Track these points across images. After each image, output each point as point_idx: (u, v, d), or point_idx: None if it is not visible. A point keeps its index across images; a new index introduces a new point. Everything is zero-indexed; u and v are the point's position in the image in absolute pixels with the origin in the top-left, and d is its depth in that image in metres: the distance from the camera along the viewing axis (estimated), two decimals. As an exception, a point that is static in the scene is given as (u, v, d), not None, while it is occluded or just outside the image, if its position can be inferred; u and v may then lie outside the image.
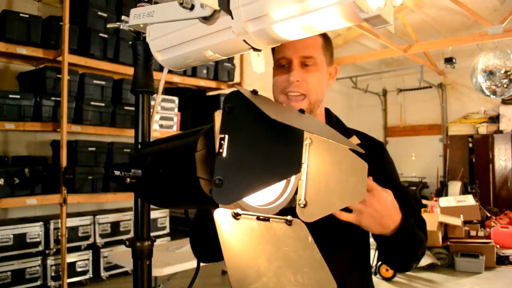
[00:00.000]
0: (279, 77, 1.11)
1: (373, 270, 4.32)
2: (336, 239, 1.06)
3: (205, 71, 4.98)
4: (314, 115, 1.13)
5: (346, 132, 1.18)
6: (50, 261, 3.71)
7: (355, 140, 1.15)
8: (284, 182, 0.68)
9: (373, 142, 1.20)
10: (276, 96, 1.13)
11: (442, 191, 7.23)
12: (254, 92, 0.60)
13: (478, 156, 7.60)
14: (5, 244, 3.50)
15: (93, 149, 4.00)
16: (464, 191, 6.90)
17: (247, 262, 0.56)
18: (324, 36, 1.13)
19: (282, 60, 1.10)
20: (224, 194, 0.53)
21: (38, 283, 3.65)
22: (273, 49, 1.16)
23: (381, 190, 0.94)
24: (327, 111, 1.22)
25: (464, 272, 4.66)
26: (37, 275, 3.64)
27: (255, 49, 0.63)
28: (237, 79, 5.44)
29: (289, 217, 0.68)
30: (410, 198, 1.19)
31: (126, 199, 4.38)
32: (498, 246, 5.12)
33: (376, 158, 1.15)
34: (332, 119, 1.20)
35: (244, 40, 0.60)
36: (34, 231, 3.68)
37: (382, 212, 0.93)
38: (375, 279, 4.29)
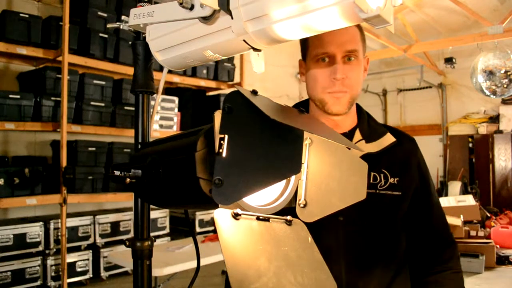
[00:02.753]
0: (320, 73, 1.04)
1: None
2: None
3: (205, 71, 4.98)
4: (350, 111, 1.10)
5: (379, 128, 1.15)
6: (50, 261, 3.71)
7: (389, 137, 1.12)
8: (284, 182, 0.68)
9: (407, 138, 1.18)
10: (316, 95, 1.07)
11: (442, 191, 7.23)
12: (254, 92, 0.60)
13: (478, 156, 7.60)
14: (5, 244, 3.51)
15: (93, 149, 4.00)
16: (464, 191, 6.90)
17: (247, 262, 0.56)
18: (359, 27, 1.08)
19: (324, 55, 1.03)
20: (224, 194, 0.53)
21: (38, 283, 3.65)
22: (305, 42, 1.10)
23: None
24: (358, 107, 1.19)
25: (464, 272, 4.63)
26: (37, 275, 3.64)
27: (255, 49, 0.62)
28: (237, 79, 5.44)
29: (289, 217, 0.68)
30: (433, 206, 1.16)
31: (126, 199, 4.38)
32: (498, 246, 5.12)
33: (412, 153, 1.15)
34: (363, 115, 1.17)
35: (244, 40, 0.60)
36: (34, 231, 3.68)
37: None
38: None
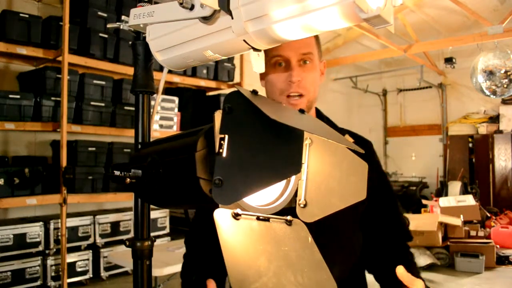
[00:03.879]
0: (276, 77, 1.07)
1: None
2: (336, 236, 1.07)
3: (205, 71, 4.98)
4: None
5: (338, 130, 1.17)
6: (50, 261, 3.71)
7: (348, 139, 1.14)
8: (284, 182, 0.68)
9: (363, 141, 1.20)
10: (274, 97, 1.09)
11: (442, 191, 7.23)
12: (254, 92, 0.60)
13: (478, 156, 7.60)
14: (5, 244, 3.50)
15: (93, 149, 4.00)
16: (464, 191, 6.90)
17: (247, 262, 0.56)
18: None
19: (279, 58, 1.06)
20: (224, 194, 0.53)
21: (38, 283, 3.65)
22: None
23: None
24: (318, 111, 1.21)
25: (464, 272, 4.66)
26: (37, 275, 3.64)
27: (255, 49, 0.62)
28: (237, 79, 5.44)
29: (289, 217, 0.68)
30: (396, 201, 1.21)
31: (126, 199, 4.38)
32: (498, 246, 5.12)
33: (367, 156, 1.17)
34: (323, 119, 1.19)
35: (244, 40, 0.60)
36: (34, 231, 3.68)
37: None
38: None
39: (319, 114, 1.21)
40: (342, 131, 1.18)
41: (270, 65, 1.09)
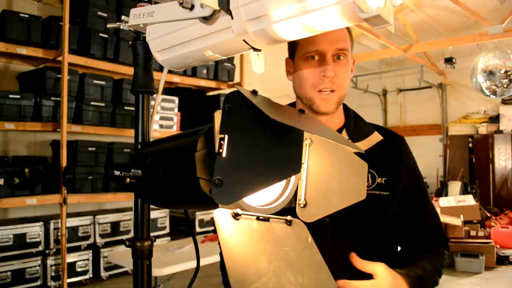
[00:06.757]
0: (308, 72, 1.04)
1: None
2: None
3: (205, 71, 4.98)
4: (337, 111, 1.10)
5: (367, 127, 1.14)
6: (50, 261, 3.71)
7: (377, 136, 1.11)
8: (284, 182, 0.68)
9: (394, 136, 1.16)
10: (305, 93, 1.06)
11: (442, 191, 7.23)
12: (254, 92, 0.60)
13: (478, 156, 7.60)
14: (5, 244, 3.51)
15: (93, 149, 4.00)
16: (464, 191, 6.90)
17: (247, 262, 0.56)
18: (348, 28, 1.09)
19: (314, 53, 1.03)
20: (224, 194, 0.53)
21: (38, 283, 3.65)
22: (294, 40, 1.11)
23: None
24: (345, 107, 1.18)
25: (464, 272, 4.66)
26: (37, 275, 3.64)
27: (255, 49, 0.62)
28: (237, 79, 5.44)
29: (289, 217, 0.68)
30: (427, 203, 1.16)
31: (126, 199, 4.38)
32: (498, 246, 5.12)
33: (396, 152, 1.12)
34: (350, 115, 1.16)
35: (244, 40, 0.60)
36: (34, 231, 3.68)
37: None
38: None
39: (346, 109, 1.17)
40: (371, 127, 1.14)
41: (302, 59, 1.06)
